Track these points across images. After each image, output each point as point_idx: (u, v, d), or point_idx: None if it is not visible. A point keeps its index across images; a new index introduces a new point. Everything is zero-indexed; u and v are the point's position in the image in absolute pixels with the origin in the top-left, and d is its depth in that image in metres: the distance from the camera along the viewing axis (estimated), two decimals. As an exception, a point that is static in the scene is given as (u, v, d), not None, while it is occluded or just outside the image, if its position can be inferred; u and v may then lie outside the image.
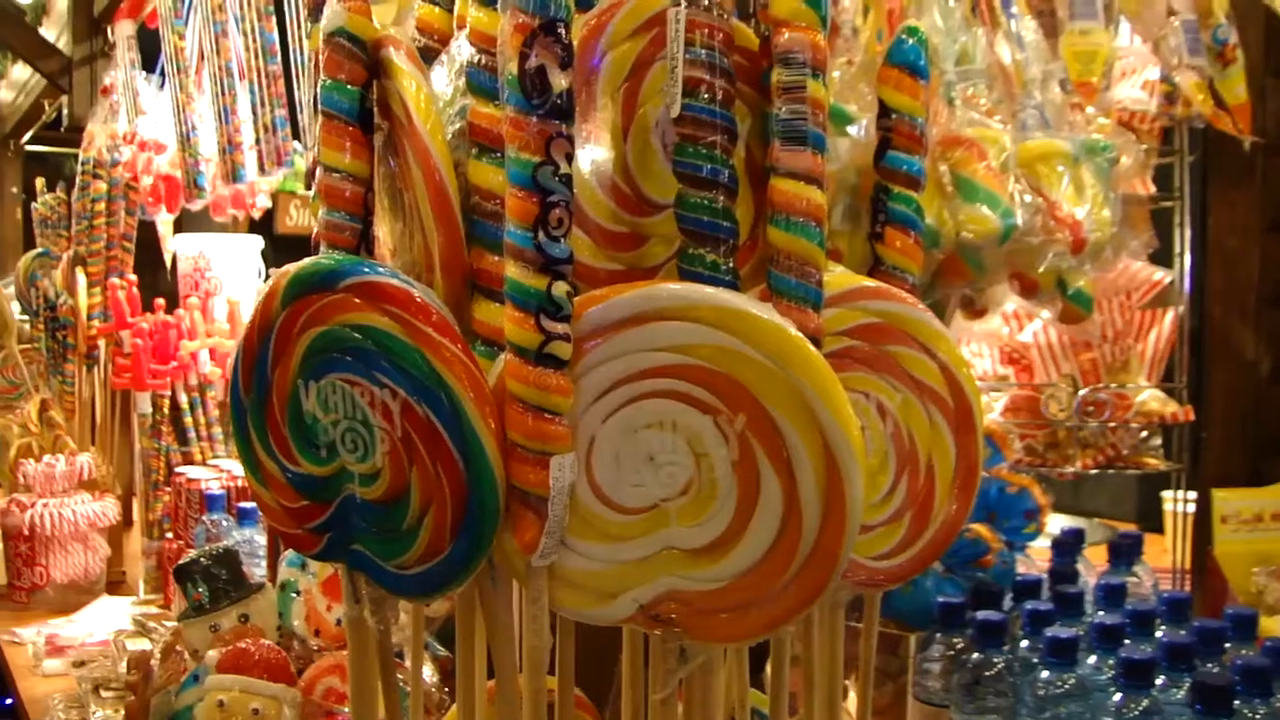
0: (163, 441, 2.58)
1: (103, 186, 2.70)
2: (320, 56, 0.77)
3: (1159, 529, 2.41)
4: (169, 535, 2.49)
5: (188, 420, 2.60)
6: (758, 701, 1.06)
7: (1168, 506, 2.38)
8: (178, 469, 2.47)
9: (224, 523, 2.19)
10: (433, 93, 0.74)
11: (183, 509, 2.39)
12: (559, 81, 0.66)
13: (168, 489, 2.51)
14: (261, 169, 2.22)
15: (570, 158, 0.67)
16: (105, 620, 2.30)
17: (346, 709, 1.22)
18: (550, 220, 0.66)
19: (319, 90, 0.76)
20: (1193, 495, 1.98)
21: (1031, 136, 1.33)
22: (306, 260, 0.73)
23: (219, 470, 2.44)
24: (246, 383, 0.75)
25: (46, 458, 2.55)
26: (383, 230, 0.82)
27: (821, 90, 0.74)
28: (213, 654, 1.25)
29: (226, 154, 2.35)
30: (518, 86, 0.67)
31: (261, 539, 2.11)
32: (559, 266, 0.67)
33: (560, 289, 0.67)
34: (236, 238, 2.91)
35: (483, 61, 0.72)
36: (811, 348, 0.70)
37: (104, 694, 1.91)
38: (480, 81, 0.72)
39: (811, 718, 0.87)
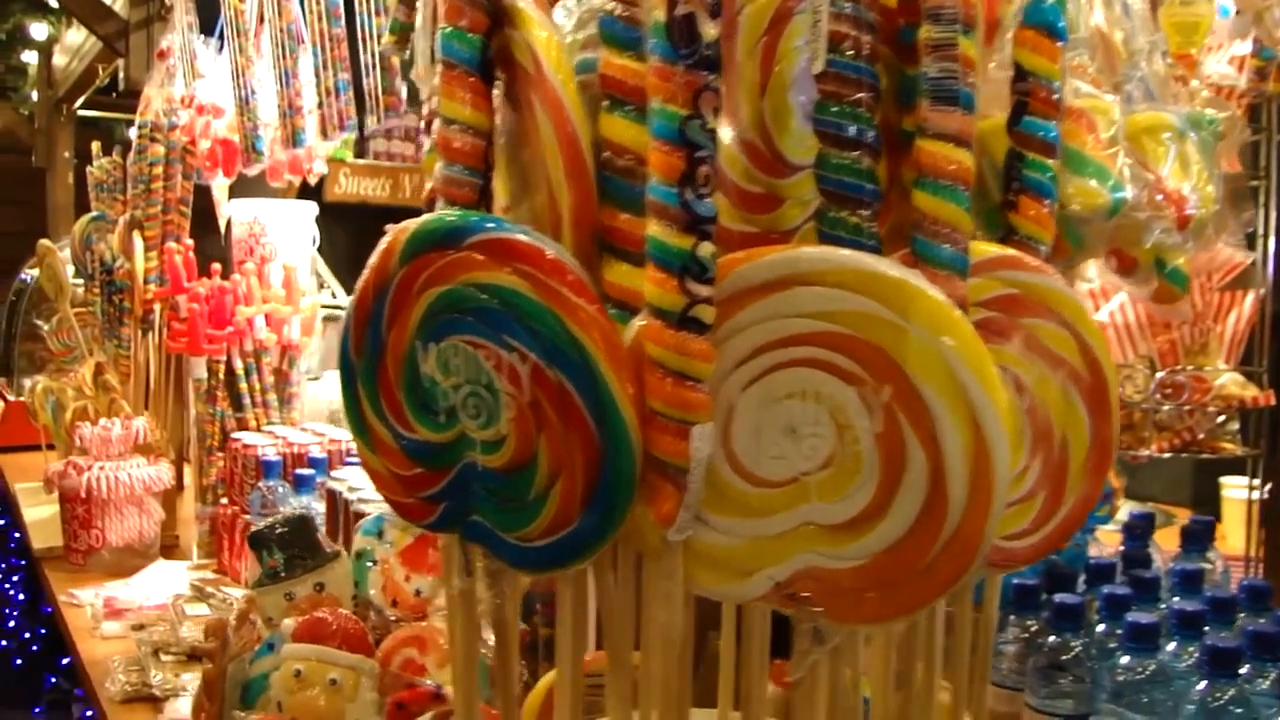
0: (217, 407, 2.55)
1: (160, 150, 2.67)
2: (439, 4, 0.72)
3: (1215, 515, 2.35)
4: (223, 501, 2.47)
5: (242, 386, 2.57)
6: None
7: (1227, 493, 2.32)
8: (233, 435, 2.45)
9: (280, 489, 2.17)
10: (564, 43, 0.69)
11: (238, 475, 2.37)
12: (708, 30, 0.62)
13: (221, 455, 2.49)
14: (324, 133, 2.18)
15: (718, 111, 0.62)
16: (161, 584, 2.28)
17: (426, 681, 1.19)
18: (697, 177, 0.62)
19: (438, 39, 0.72)
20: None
21: (1137, 109, 1.26)
22: (427, 215, 0.69)
23: (274, 437, 2.41)
24: (358, 344, 0.71)
25: (102, 421, 2.53)
26: (495, 187, 0.78)
27: (972, 48, 0.70)
28: (289, 622, 1.22)
29: (287, 118, 2.32)
30: (664, 35, 0.62)
31: (319, 506, 2.09)
32: (705, 226, 0.62)
33: (706, 250, 0.63)
34: (291, 203, 2.88)
35: (618, 11, 0.67)
36: (963, 317, 0.66)
37: (164, 658, 1.90)
38: (615, 31, 0.68)
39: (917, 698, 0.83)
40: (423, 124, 0.79)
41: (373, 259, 0.70)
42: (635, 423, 0.64)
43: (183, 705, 1.70)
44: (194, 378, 2.54)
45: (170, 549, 2.60)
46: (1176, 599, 1.35)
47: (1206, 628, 1.18)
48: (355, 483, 1.98)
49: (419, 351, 0.69)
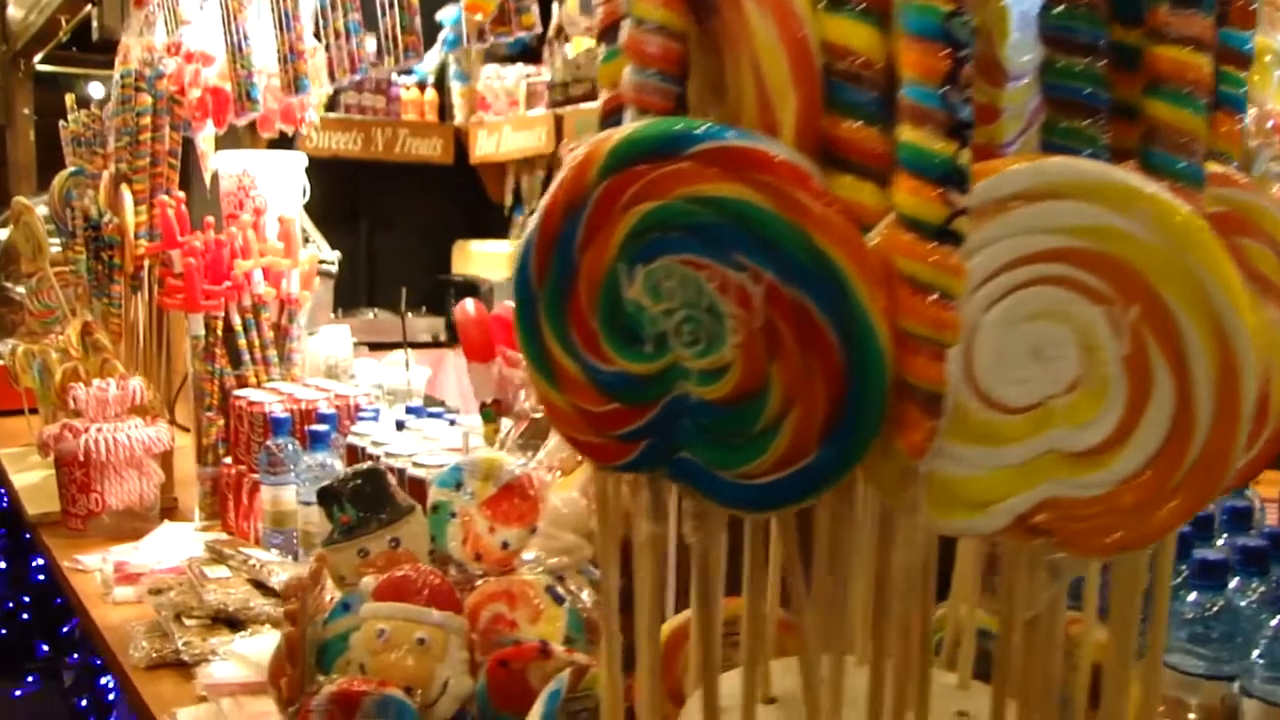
0: (216, 365, 2.46)
1: (147, 100, 2.55)
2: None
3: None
4: (226, 460, 2.38)
5: (241, 342, 2.49)
6: (987, 622, 0.98)
7: None
8: (235, 392, 2.36)
9: (290, 447, 2.10)
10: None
11: (244, 433, 2.29)
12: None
13: (217, 414, 2.41)
14: (332, 76, 2.09)
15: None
16: (172, 547, 2.19)
17: (517, 636, 1.13)
18: (961, 77, 0.56)
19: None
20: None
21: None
22: (635, 124, 0.62)
23: (279, 393, 2.33)
24: (541, 268, 0.64)
25: (97, 382, 2.42)
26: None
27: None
28: (368, 580, 1.15)
29: (288, 63, 2.22)
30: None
31: (336, 464, 2.02)
32: (967, 131, 0.57)
33: (966, 157, 0.57)
34: (281, 154, 2.77)
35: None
36: (1214, 234, 0.61)
37: (187, 622, 1.82)
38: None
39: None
40: (597, 29, 0.72)
41: (562, 173, 0.63)
42: (889, 344, 0.58)
43: (216, 670, 1.63)
44: (191, 335, 2.44)
45: (169, 511, 2.51)
46: (1227, 536, 1.34)
47: (1270, 563, 1.19)
48: (379, 437, 1.91)
49: (622, 275, 0.62)
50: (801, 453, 0.60)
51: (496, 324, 1.42)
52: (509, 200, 5.71)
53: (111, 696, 2.30)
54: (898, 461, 0.61)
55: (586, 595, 1.18)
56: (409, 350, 2.70)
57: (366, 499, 1.21)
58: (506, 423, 1.28)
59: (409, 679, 1.11)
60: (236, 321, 2.47)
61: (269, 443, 2.15)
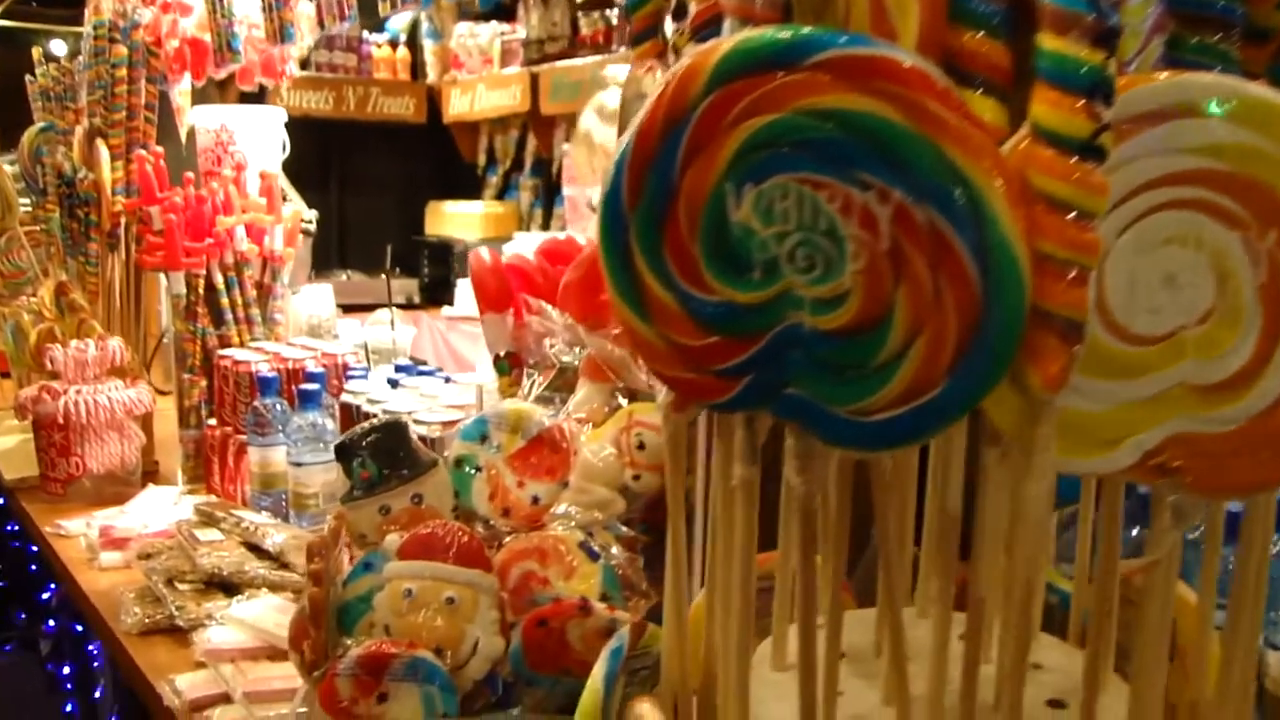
0: (198, 324, 2.39)
1: (123, 51, 2.46)
2: None
3: None
4: (210, 422, 2.32)
5: (224, 301, 2.42)
6: (1052, 577, 0.95)
7: None
8: (220, 352, 2.30)
9: (278, 407, 2.04)
10: None
11: (229, 394, 2.22)
12: None
13: (195, 375, 2.35)
14: (321, 24, 2.02)
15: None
16: (158, 511, 2.13)
17: (555, 593, 1.08)
18: (1110, -20, 0.51)
19: None
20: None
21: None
22: (746, 33, 0.57)
23: (264, 353, 2.27)
24: (634, 191, 0.60)
25: (75, 343, 2.35)
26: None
27: None
28: (393, 537, 1.11)
29: (273, 11, 2.14)
30: None
31: (329, 424, 1.97)
32: (1114, 40, 0.52)
33: (1113, 67, 0.52)
34: (260, 109, 2.70)
35: None
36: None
37: (180, 586, 1.77)
38: None
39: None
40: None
41: (660, 88, 0.59)
42: (1028, 267, 0.54)
43: (214, 635, 1.58)
44: (172, 293, 2.37)
45: (150, 475, 2.45)
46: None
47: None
48: (375, 394, 1.86)
49: (729, 196, 0.58)
50: (926, 386, 0.56)
51: (513, 273, 1.36)
52: (482, 160, 5.63)
53: (97, 665, 2.23)
54: (1026, 396, 0.57)
55: (615, 551, 1.13)
56: (393, 309, 2.64)
57: (387, 453, 1.16)
58: (531, 380, 1.23)
59: (438, 640, 1.06)
60: (219, 279, 2.40)
61: (256, 403, 2.09)
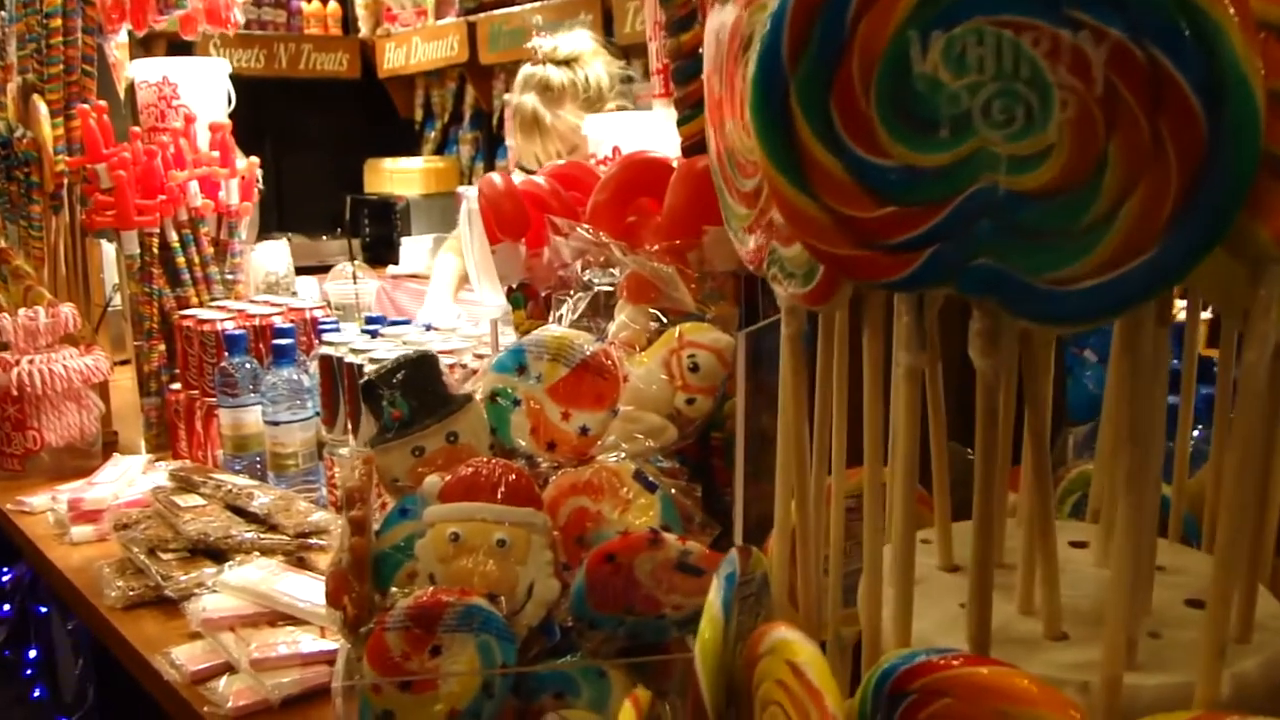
0: (154, 285, 2.28)
1: (56, 0, 2.31)
2: None
3: None
4: (174, 386, 2.21)
5: (180, 260, 2.31)
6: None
7: None
8: (182, 312, 2.19)
9: (247, 366, 1.95)
10: None
11: (193, 355, 2.12)
12: None
13: (154, 339, 2.24)
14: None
15: None
16: (128, 480, 2.02)
17: (606, 531, 1.02)
18: None
19: None
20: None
21: None
22: None
23: (227, 311, 2.16)
24: (796, 44, 0.53)
25: (24, 311, 2.22)
26: None
27: None
28: (433, 479, 1.03)
29: (217, -48, 2.02)
30: None
31: (305, 379, 1.88)
32: None
33: None
34: (203, 61, 2.57)
35: None
36: None
37: (163, 555, 1.67)
38: None
39: None
40: None
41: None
42: (1263, 107, 0.48)
43: (209, 603, 1.50)
44: (126, 254, 2.25)
45: (110, 447, 2.33)
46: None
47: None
48: (357, 344, 1.77)
49: (913, 44, 0.51)
50: (1138, 248, 0.50)
51: (529, 197, 1.28)
52: (419, 115, 5.49)
53: (69, 646, 2.12)
54: (1246, 255, 0.51)
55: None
56: (355, 263, 2.53)
57: (418, 390, 1.07)
58: (564, 305, 1.16)
59: (490, 586, 0.99)
60: (173, 237, 2.29)
61: (224, 363, 2.00)
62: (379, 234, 4.85)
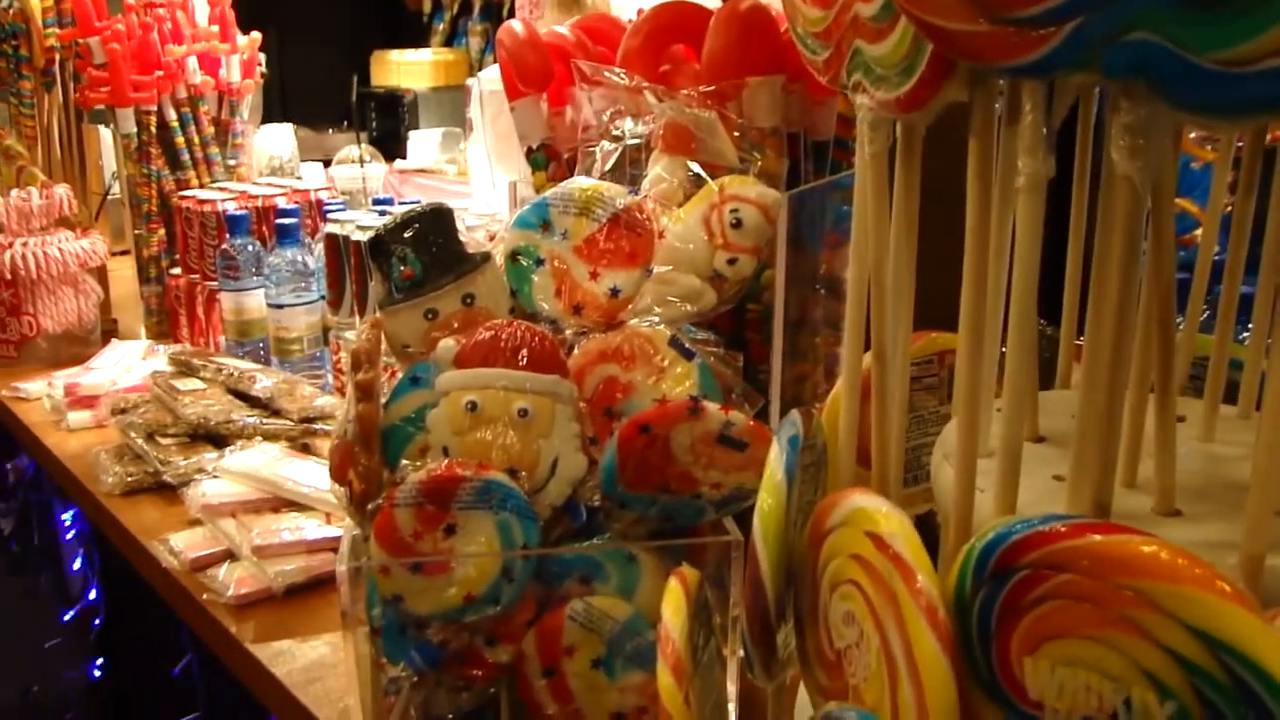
0: (152, 166, 2.16)
1: None
2: None
3: None
4: (174, 271, 2.11)
5: (179, 140, 2.19)
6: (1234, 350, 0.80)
7: None
8: (182, 194, 2.07)
9: (250, 248, 1.84)
10: None
11: (194, 238, 2.01)
12: None
13: (153, 222, 2.12)
14: None
15: None
16: (126, 365, 1.92)
17: (638, 403, 0.91)
18: None
19: None
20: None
21: None
22: None
23: (229, 192, 2.05)
24: None
25: (15, 192, 2.10)
26: None
27: None
28: (448, 343, 0.92)
29: None
30: None
31: (309, 261, 1.77)
32: None
33: None
34: (199, -70, 2.40)
35: None
36: None
37: (162, 441, 1.58)
38: None
39: None
40: None
41: None
42: None
43: (209, 488, 1.42)
44: (123, 133, 2.12)
45: (109, 335, 2.23)
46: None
47: None
48: (365, 222, 1.66)
49: None
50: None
51: (553, 50, 1.16)
52: (427, 6, 5.31)
53: (71, 535, 2.05)
54: None
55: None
56: (363, 144, 2.41)
57: (431, 247, 0.96)
58: (591, 158, 1.04)
59: (511, 460, 0.89)
60: (171, 116, 2.17)
61: (225, 245, 1.90)
62: (386, 128, 4.71)
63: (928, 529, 0.65)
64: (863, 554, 0.55)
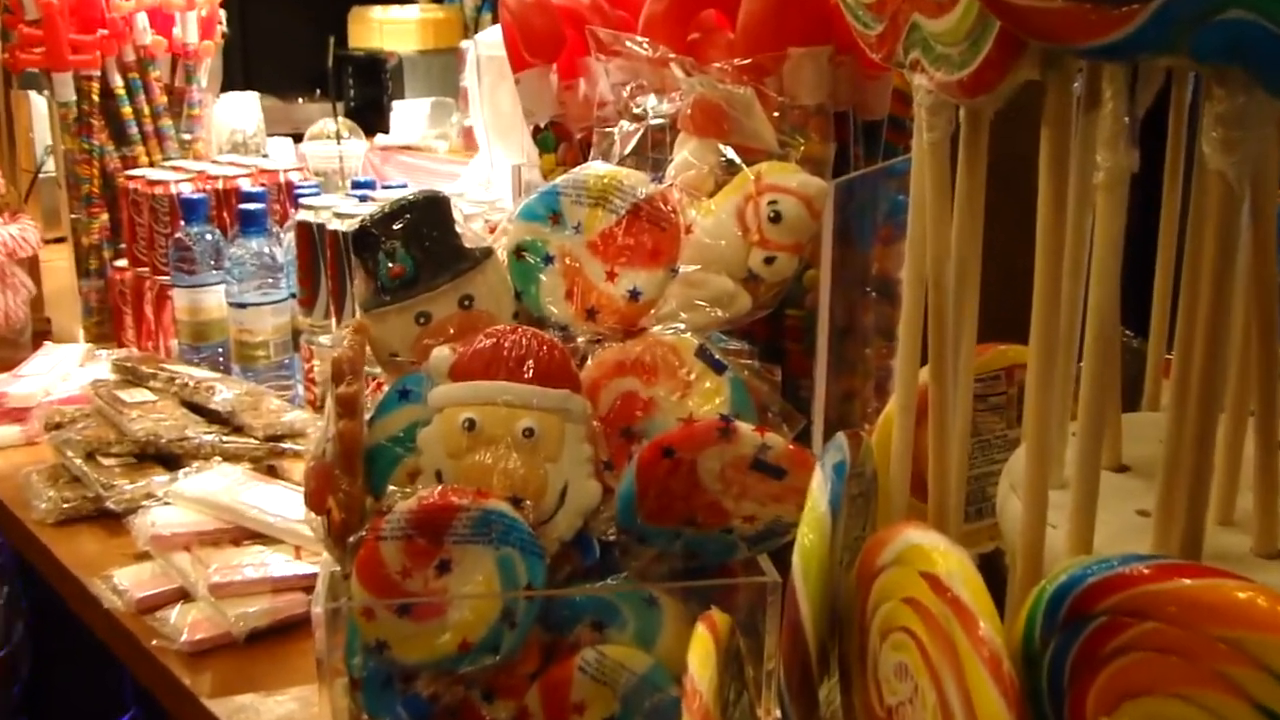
0: (94, 140, 2.19)
1: None
2: None
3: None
4: (119, 264, 2.14)
5: (125, 110, 2.22)
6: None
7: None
8: (129, 173, 2.11)
9: (208, 237, 1.88)
10: None
11: (143, 225, 2.04)
12: None
13: (94, 206, 2.16)
14: None
15: None
16: (62, 373, 1.96)
17: (661, 422, 0.94)
18: None
19: None
20: None
21: None
22: None
23: (184, 171, 2.09)
24: None
25: (-65, 170, 2.14)
26: None
27: None
28: (443, 352, 0.95)
29: None
30: None
31: (278, 253, 1.80)
32: None
33: None
34: None
35: None
36: None
37: (104, 461, 1.62)
38: None
39: None
40: None
41: None
42: None
43: (159, 517, 1.44)
44: (59, 102, 2.16)
45: (42, 337, 2.26)
46: None
47: None
48: (343, 209, 1.69)
49: None
50: None
51: (564, 14, 1.19)
52: (413, -44, 5.36)
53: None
54: None
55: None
56: (340, 120, 2.44)
57: (424, 240, 0.99)
58: (608, 140, 1.07)
59: (514, 487, 0.92)
60: (117, 82, 2.21)
61: (180, 233, 1.94)
62: (366, 97, 4.75)
63: (993, 570, 0.67)
64: (918, 597, 0.57)
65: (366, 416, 0.97)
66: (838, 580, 0.66)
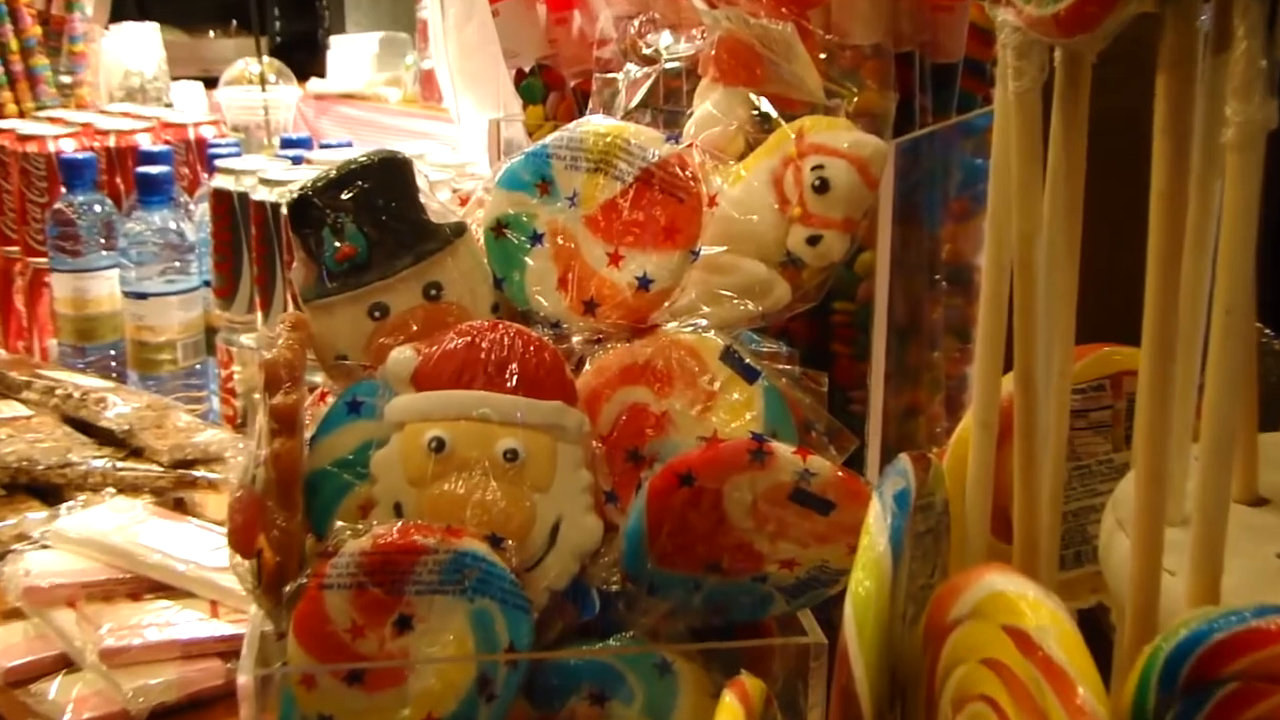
0: (-51, 83, 2.23)
1: None
2: None
3: None
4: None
5: (-12, 47, 2.25)
6: None
7: None
8: (-6, 127, 2.14)
9: (96, 208, 1.91)
10: None
11: (12, 191, 2.07)
12: None
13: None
14: None
15: None
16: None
17: (678, 442, 0.96)
18: None
19: None
20: None
21: None
22: None
23: (66, 124, 2.12)
24: None
25: None
26: None
27: None
28: (404, 354, 0.97)
29: None
30: None
31: (187, 230, 1.83)
32: None
33: None
34: None
35: None
36: None
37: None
38: None
39: None
40: None
41: None
42: None
43: (36, 561, 1.47)
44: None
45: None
46: None
47: None
48: (272, 173, 1.72)
49: None
50: None
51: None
52: None
53: None
54: None
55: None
56: (265, 61, 2.48)
57: (380, 214, 1.01)
58: (614, 89, 1.09)
59: (493, 524, 0.94)
60: (-20, 12, 2.24)
61: (60, 203, 1.97)
62: (296, 30, 4.78)
63: (1094, 626, 0.69)
64: (1000, 658, 0.59)
65: (307, 435, 1.00)
66: (899, 638, 0.68)
